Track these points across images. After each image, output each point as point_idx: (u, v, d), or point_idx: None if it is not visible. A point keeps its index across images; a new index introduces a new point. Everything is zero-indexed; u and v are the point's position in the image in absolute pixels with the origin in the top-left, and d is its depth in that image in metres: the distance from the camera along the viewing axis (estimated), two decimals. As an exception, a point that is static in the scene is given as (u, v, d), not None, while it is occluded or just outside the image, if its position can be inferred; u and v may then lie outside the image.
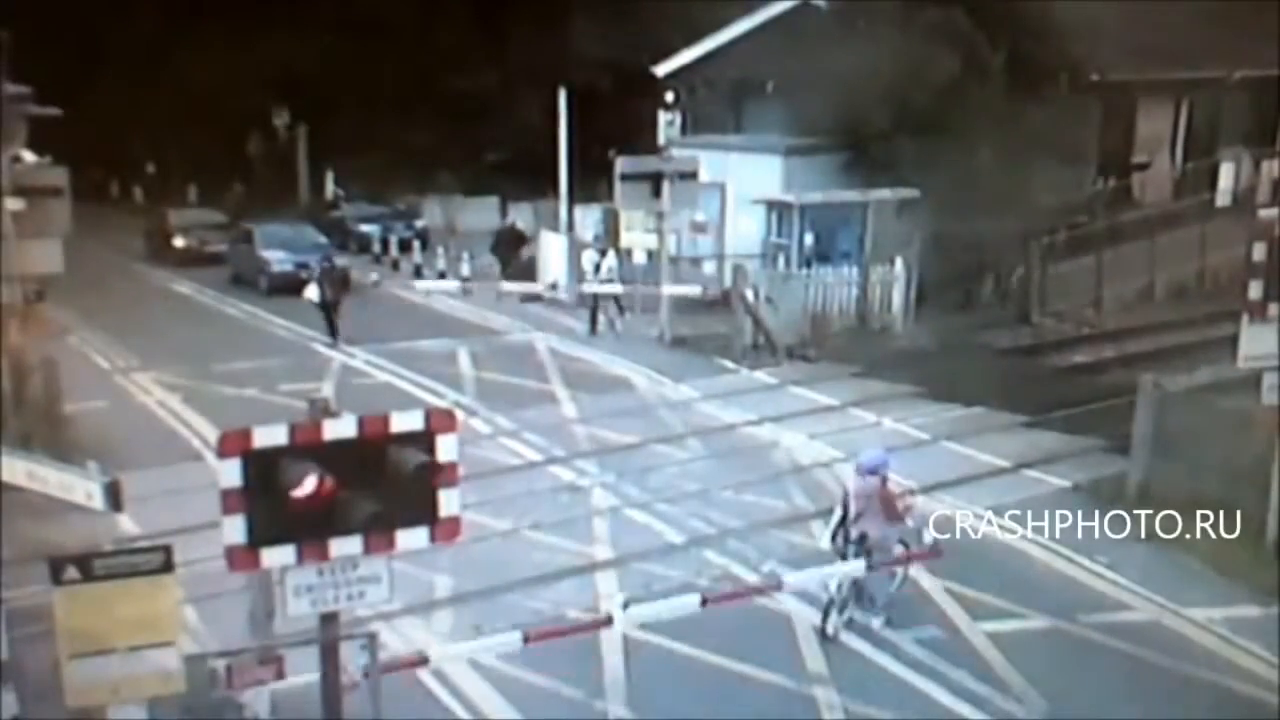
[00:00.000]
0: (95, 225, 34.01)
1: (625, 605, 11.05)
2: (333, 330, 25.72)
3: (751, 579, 14.14)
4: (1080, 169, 30.14)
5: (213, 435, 14.16)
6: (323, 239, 34.69)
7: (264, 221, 35.71)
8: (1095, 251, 27.74)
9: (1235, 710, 11.67)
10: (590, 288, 26.31)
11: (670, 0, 34.72)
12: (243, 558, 7.67)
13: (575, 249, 30.00)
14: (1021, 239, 26.50)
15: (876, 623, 12.87)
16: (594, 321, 26.33)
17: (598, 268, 26.35)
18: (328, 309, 25.75)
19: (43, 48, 30.10)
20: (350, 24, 42.58)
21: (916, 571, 13.79)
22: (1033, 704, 11.51)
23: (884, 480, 12.82)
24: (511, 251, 32.84)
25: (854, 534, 12.72)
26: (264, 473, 7.51)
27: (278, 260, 32.10)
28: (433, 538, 8.04)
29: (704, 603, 10.38)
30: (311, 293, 25.88)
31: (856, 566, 12.46)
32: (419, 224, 38.97)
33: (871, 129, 27.55)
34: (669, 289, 25.49)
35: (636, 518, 15.96)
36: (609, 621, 10.30)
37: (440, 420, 7.96)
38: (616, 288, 26.10)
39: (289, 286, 30.72)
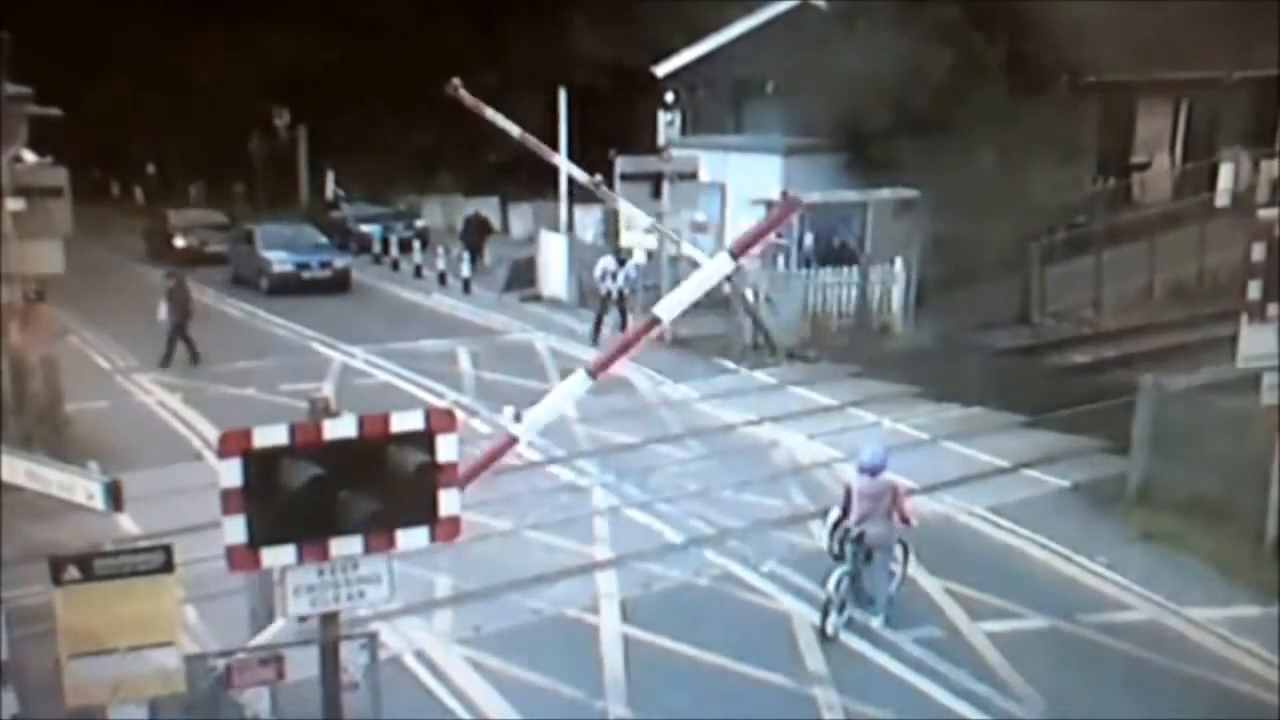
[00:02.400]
0: (96, 225, 34.05)
1: (517, 417, 10.84)
2: (169, 353, 23.42)
3: (751, 580, 14.17)
4: (1079, 169, 30.13)
5: (213, 435, 14.19)
6: (323, 239, 34.69)
7: (265, 222, 35.76)
8: (1094, 251, 27.72)
9: (1235, 710, 11.66)
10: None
11: (670, 0, 34.72)
12: (243, 558, 7.69)
13: (576, 250, 30.04)
14: (1019, 239, 26.48)
15: (876, 622, 12.88)
16: (598, 329, 25.35)
17: (614, 275, 25.27)
18: (175, 330, 23.53)
19: (43, 48, 30.08)
20: (350, 24, 42.58)
21: (916, 572, 13.84)
22: (1032, 704, 11.52)
23: (895, 482, 12.86)
24: (479, 239, 34.70)
25: (853, 533, 12.73)
26: (264, 473, 7.52)
27: (278, 261, 32.05)
28: (433, 537, 8.05)
29: (593, 376, 10.11)
30: (160, 312, 23.62)
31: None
32: (419, 224, 38.99)
33: (871, 129, 27.55)
34: (689, 249, 25.04)
35: (636, 517, 15.97)
36: (515, 442, 10.24)
37: (440, 420, 7.98)
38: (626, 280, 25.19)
39: (290, 287, 31.18)
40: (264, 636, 8.83)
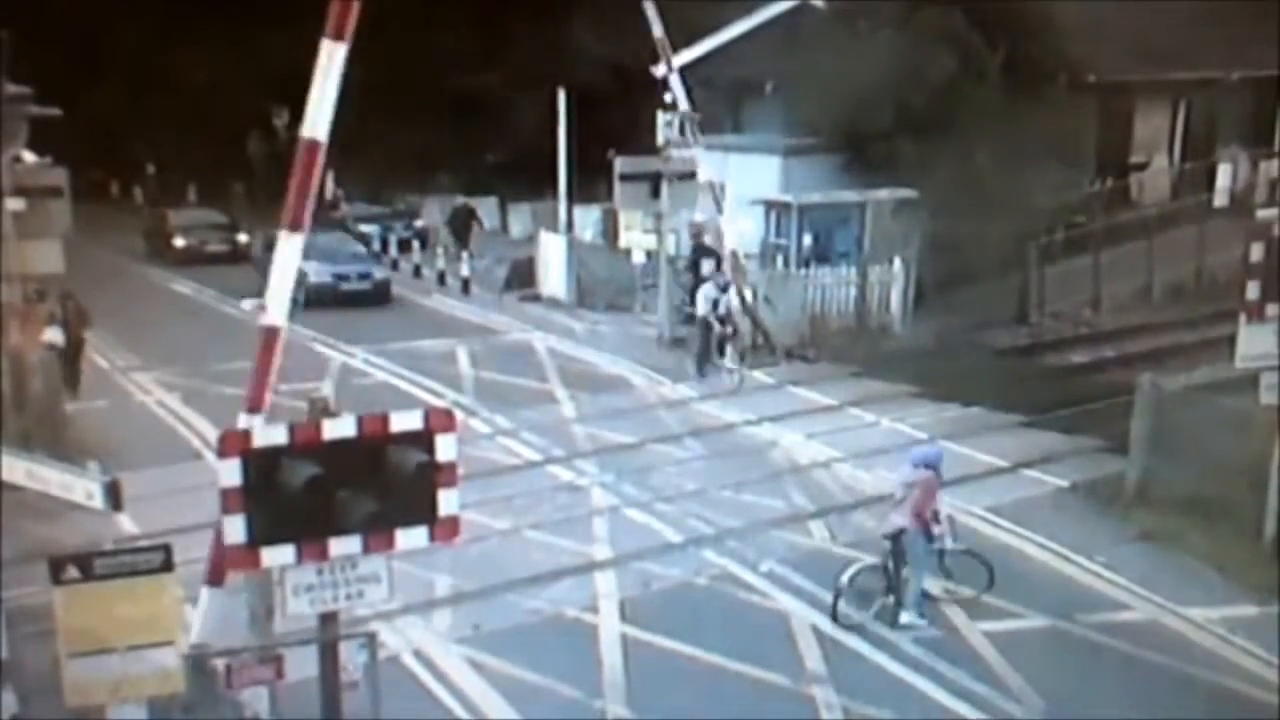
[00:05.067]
0: (96, 226, 33.97)
1: (262, 308, 10.50)
2: (74, 377, 20.90)
3: (751, 580, 14.19)
4: (1078, 169, 30.14)
5: (212, 435, 14.21)
6: (361, 248, 32.94)
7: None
8: (1093, 252, 27.76)
9: (1234, 710, 11.68)
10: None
11: (670, 0, 34.72)
12: (242, 557, 7.71)
13: (574, 250, 30.02)
14: (1018, 239, 26.50)
15: (906, 618, 12.89)
16: (702, 362, 22.34)
17: (716, 303, 22.17)
18: (67, 355, 20.57)
19: (43, 48, 30.06)
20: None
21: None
22: (1031, 704, 11.52)
23: (933, 479, 12.99)
24: (466, 228, 35.52)
25: (887, 526, 12.97)
26: (264, 472, 7.54)
27: (314, 272, 28.88)
28: (432, 537, 8.07)
29: (292, 230, 9.78)
30: (53, 335, 20.07)
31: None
32: (418, 224, 38.99)
33: (870, 129, 27.56)
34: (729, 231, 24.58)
35: (635, 517, 15.98)
36: (278, 331, 9.80)
37: (439, 420, 8.00)
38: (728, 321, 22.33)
39: (327, 301, 28.85)
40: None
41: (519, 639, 12.62)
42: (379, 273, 31.17)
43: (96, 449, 16.61)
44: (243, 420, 9.51)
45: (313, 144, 9.51)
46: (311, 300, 28.65)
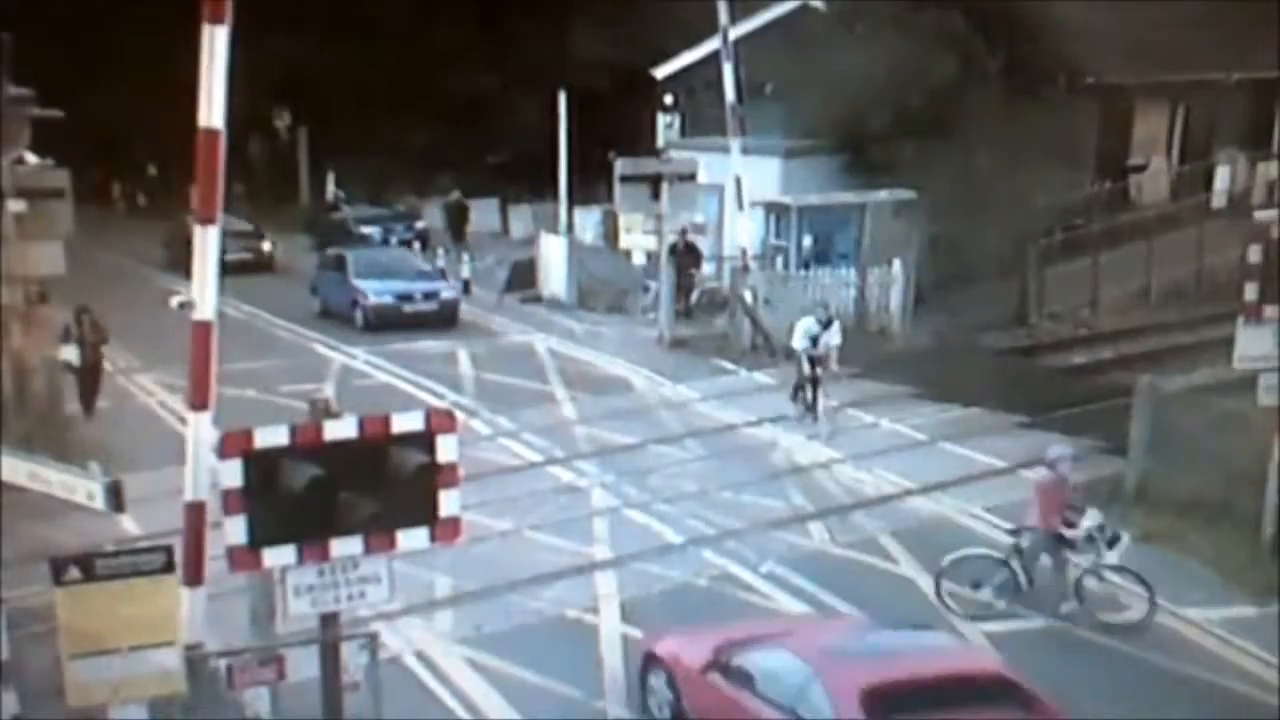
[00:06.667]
0: (99, 228, 33.93)
1: (184, 305, 10.30)
2: (91, 396, 20.47)
3: (751, 580, 14.20)
4: (1077, 171, 30.16)
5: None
6: (426, 265, 30.26)
7: (357, 246, 32.14)
8: (1092, 253, 27.77)
9: (1233, 710, 11.70)
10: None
11: (669, 2, 34.78)
12: (244, 558, 7.74)
13: (574, 251, 30.05)
14: (1017, 240, 26.52)
15: (1066, 607, 13.19)
16: (800, 394, 20.24)
17: (815, 340, 19.80)
18: (84, 374, 20.23)
19: (44, 49, 30.04)
20: (350, 25, 42.61)
21: (915, 572, 13.89)
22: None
23: (1061, 477, 13.32)
24: (460, 221, 37.35)
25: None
26: (265, 473, 7.57)
27: (375, 292, 27.28)
28: (433, 538, 8.11)
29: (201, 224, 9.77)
30: (69, 354, 19.74)
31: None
32: (419, 225, 38.99)
33: (870, 131, 27.60)
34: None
35: (636, 518, 16.01)
36: (209, 325, 9.99)
37: (440, 421, 8.04)
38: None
39: (390, 323, 26.79)
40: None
41: (520, 640, 12.65)
42: (446, 291, 28.07)
43: (98, 450, 16.64)
44: (190, 419, 9.56)
45: (211, 133, 9.40)
46: (372, 324, 26.87)
